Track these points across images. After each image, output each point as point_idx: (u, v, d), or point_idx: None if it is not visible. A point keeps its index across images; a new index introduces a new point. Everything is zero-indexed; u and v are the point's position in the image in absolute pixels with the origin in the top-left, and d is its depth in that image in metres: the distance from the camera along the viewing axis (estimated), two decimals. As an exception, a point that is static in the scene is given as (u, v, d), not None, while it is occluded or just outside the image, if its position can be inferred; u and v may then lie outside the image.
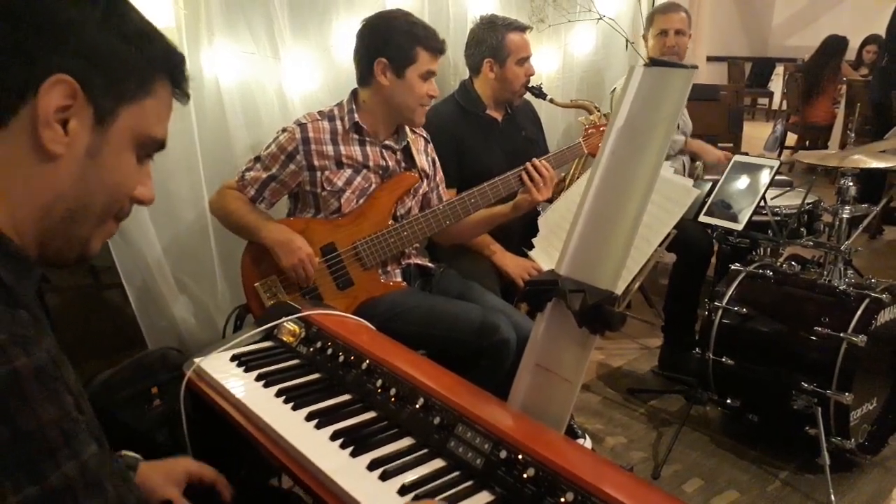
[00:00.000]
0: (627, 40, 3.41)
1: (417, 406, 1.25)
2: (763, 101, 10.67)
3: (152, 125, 0.82)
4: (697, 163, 3.40)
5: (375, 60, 2.07)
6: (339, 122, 2.13)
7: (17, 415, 0.63)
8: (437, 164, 2.37)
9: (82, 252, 0.84)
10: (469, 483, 1.10)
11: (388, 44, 2.07)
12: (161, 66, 0.82)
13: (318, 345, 1.51)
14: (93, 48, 0.75)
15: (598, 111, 2.69)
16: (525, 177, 2.20)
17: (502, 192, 2.23)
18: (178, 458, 1.31)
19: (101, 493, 0.69)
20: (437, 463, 1.16)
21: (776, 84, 9.98)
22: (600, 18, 3.25)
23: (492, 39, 2.62)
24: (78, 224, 0.80)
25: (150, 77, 0.81)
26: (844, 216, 2.35)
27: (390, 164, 2.17)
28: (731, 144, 4.73)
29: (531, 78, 2.70)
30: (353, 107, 2.14)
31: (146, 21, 0.82)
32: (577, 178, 2.76)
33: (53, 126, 0.73)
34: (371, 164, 2.13)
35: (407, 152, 2.23)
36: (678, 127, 3.25)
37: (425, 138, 2.35)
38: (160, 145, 0.85)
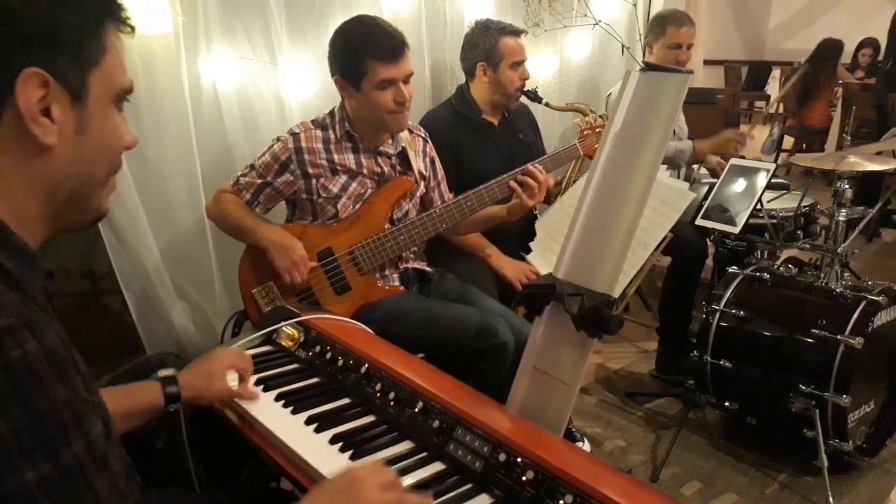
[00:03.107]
0: (623, 45, 3.42)
1: (416, 409, 1.26)
2: (760, 104, 10.70)
3: (118, 77, 0.83)
4: (695, 166, 3.41)
5: (333, 77, 2.08)
6: (331, 131, 2.12)
7: (32, 397, 0.66)
8: (437, 162, 2.37)
9: (96, 216, 0.87)
10: (468, 486, 1.11)
11: (336, 59, 2.05)
12: (103, 13, 0.81)
13: (317, 349, 1.51)
14: (44, 31, 0.75)
15: (594, 113, 2.70)
16: (514, 184, 2.18)
17: (498, 195, 2.23)
18: (213, 356, 1.39)
19: (108, 469, 0.72)
20: (437, 466, 1.16)
21: (773, 87, 10.01)
22: (596, 23, 3.25)
23: (485, 43, 2.62)
24: (85, 196, 0.83)
25: (101, 32, 0.80)
26: (841, 219, 2.36)
27: (385, 169, 2.17)
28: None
29: (526, 82, 2.71)
30: (344, 115, 2.13)
31: None
32: (574, 181, 2.77)
33: (40, 119, 0.75)
34: (365, 170, 2.14)
35: (403, 157, 2.23)
36: (674, 133, 3.25)
37: (423, 138, 2.34)
38: (129, 90, 0.86)
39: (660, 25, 3.17)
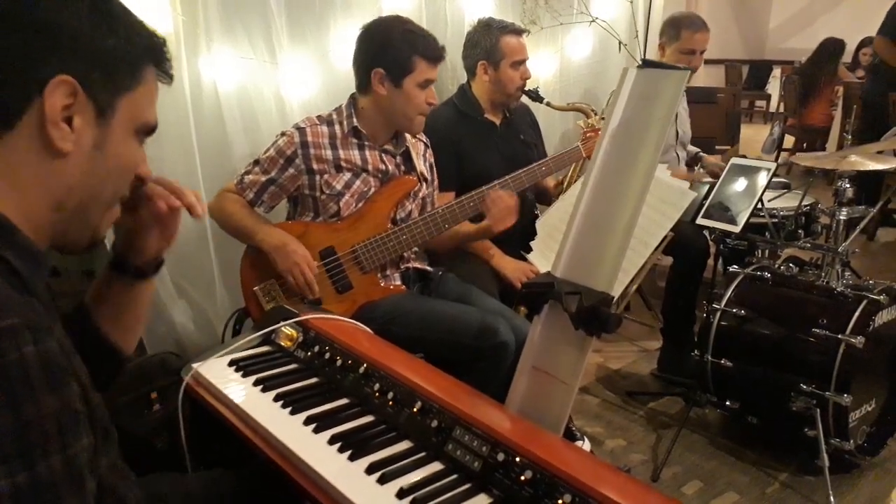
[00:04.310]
0: (620, 42, 3.41)
1: (415, 409, 1.25)
2: (760, 103, 10.70)
3: (146, 111, 0.87)
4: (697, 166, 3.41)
5: (373, 70, 2.07)
6: (337, 127, 2.13)
7: (21, 402, 0.65)
8: (434, 169, 2.38)
9: (93, 237, 0.89)
10: (467, 486, 1.11)
11: (385, 53, 2.06)
12: (147, 54, 0.86)
13: (316, 349, 1.51)
14: (86, 46, 0.79)
15: (595, 114, 2.69)
16: (485, 204, 2.18)
17: (500, 196, 2.23)
18: None
19: (82, 491, 0.70)
20: (436, 466, 1.16)
21: (773, 86, 10.00)
22: (593, 21, 3.25)
23: (486, 42, 2.63)
24: (90, 212, 0.86)
25: (139, 66, 0.85)
26: (842, 218, 2.35)
27: (389, 167, 2.18)
28: (728, 147, 4.74)
29: (528, 81, 2.70)
30: (352, 111, 2.14)
31: (128, 11, 0.86)
32: (575, 181, 2.77)
33: (60, 125, 0.77)
34: (370, 167, 2.14)
35: (406, 156, 2.24)
36: (676, 135, 3.24)
37: (424, 143, 2.35)
38: (153, 128, 0.90)
39: (675, 29, 3.12)
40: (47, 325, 0.70)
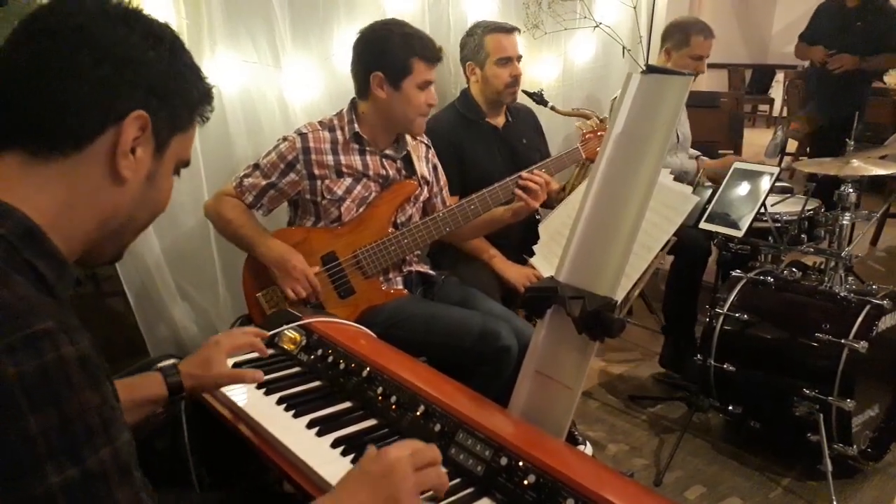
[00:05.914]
0: (624, 48, 3.41)
1: (418, 413, 1.25)
2: (763, 107, 10.69)
3: (187, 149, 0.94)
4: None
5: (371, 74, 2.07)
6: (338, 132, 2.13)
7: (64, 400, 0.67)
8: (439, 169, 2.38)
9: (117, 256, 0.95)
10: (470, 490, 1.11)
11: (383, 57, 2.07)
12: (202, 100, 0.93)
13: (319, 352, 1.52)
14: (162, 86, 0.85)
15: (598, 118, 2.69)
16: (518, 190, 2.19)
17: (502, 199, 2.23)
18: (211, 342, 1.38)
19: (130, 480, 0.72)
20: (438, 470, 1.16)
21: (777, 91, 9.99)
22: (597, 26, 3.25)
23: (471, 43, 2.66)
24: (124, 235, 0.92)
25: (195, 110, 0.92)
26: (845, 223, 2.35)
27: (390, 172, 2.18)
28: (731, 151, 4.73)
29: (528, 84, 2.70)
30: (353, 117, 2.15)
31: (192, 58, 0.92)
32: (577, 185, 2.76)
33: (129, 156, 0.84)
34: (371, 173, 2.14)
35: (407, 160, 2.24)
36: (677, 138, 3.24)
37: (426, 144, 2.35)
38: (187, 164, 0.97)
39: (682, 34, 3.14)
40: (79, 326, 0.72)
